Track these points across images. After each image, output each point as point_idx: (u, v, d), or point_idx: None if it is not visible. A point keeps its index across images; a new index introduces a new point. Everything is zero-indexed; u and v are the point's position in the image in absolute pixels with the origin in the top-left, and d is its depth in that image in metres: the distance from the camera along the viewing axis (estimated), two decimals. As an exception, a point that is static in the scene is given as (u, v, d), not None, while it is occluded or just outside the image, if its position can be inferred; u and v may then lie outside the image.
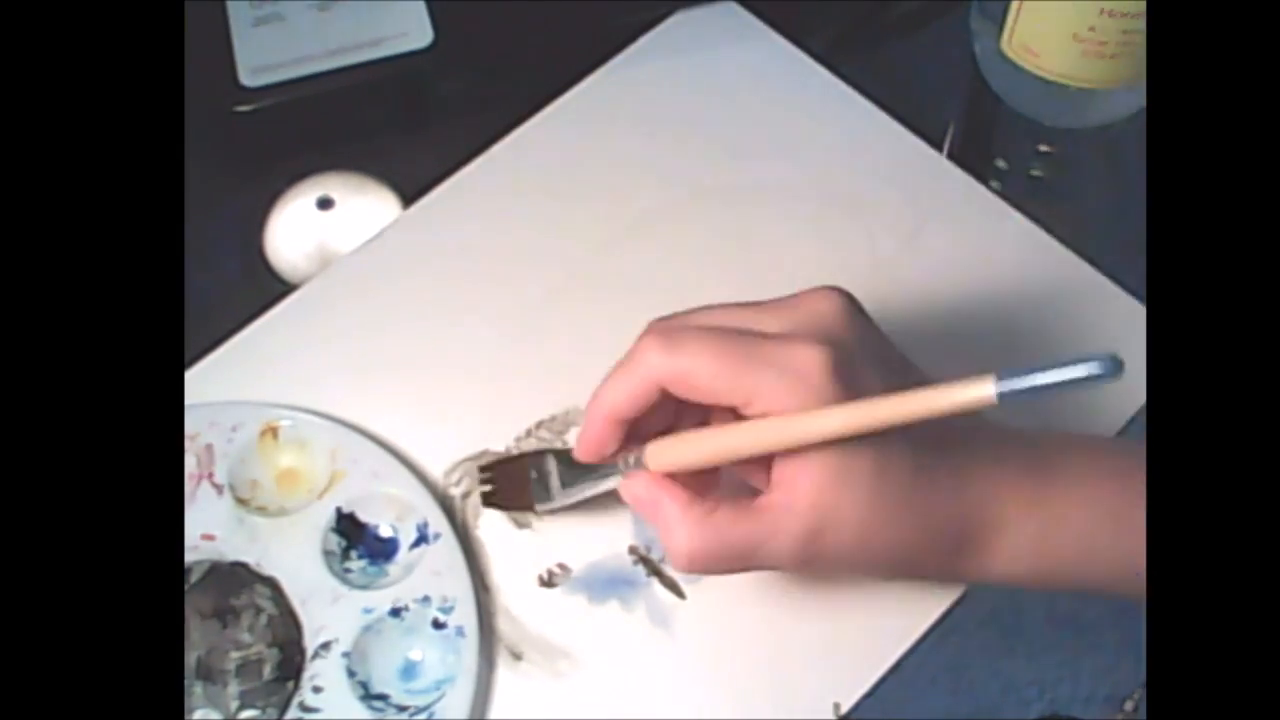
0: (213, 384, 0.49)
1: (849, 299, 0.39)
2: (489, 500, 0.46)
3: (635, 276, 0.51)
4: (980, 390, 0.33)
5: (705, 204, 0.53)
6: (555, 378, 0.49)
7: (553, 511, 0.45)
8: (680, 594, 0.45)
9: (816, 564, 0.38)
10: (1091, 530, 0.39)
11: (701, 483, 0.39)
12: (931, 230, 0.53)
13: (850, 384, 0.36)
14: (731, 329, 0.38)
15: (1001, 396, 0.33)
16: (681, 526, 0.38)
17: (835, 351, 0.37)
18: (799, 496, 0.37)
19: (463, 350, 0.50)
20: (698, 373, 0.37)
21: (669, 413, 0.40)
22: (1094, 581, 0.40)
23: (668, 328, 0.39)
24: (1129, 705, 0.45)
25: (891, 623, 0.45)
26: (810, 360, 0.36)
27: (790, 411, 0.36)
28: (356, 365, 0.49)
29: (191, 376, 0.49)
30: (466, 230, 0.53)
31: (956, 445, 0.39)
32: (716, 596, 0.45)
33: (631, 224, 0.53)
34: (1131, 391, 0.48)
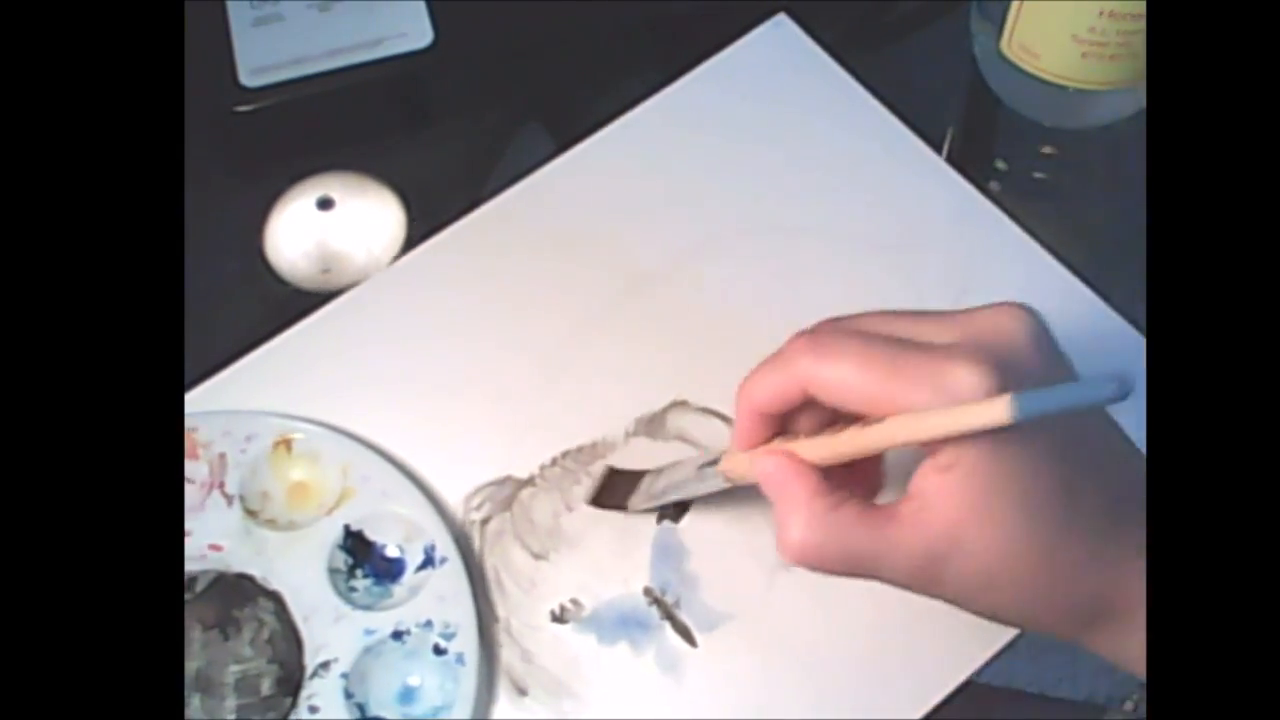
0: (235, 393, 0.47)
1: (1035, 320, 0.36)
2: (593, 500, 0.45)
3: (667, 311, 0.50)
4: (994, 411, 0.31)
5: (741, 240, 0.51)
6: (583, 408, 0.47)
7: (646, 510, 0.44)
8: (692, 641, 0.44)
9: (933, 590, 0.35)
10: None
11: (846, 483, 0.37)
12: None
13: None
14: (888, 337, 0.35)
15: (1017, 418, 0.31)
16: (801, 513, 0.35)
17: (1000, 376, 0.33)
18: (933, 516, 0.34)
19: (489, 375, 0.48)
20: (842, 382, 0.35)
21: (825, 413, 0.37)
22: None
23: (821, 330, 0.37)
24: (1128, 705, 0.45)
25: (908, 687, 0.43)
26: (968, 382, 0.33)
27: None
28: (379, 382, 0.48)
29: (213, 385, 0.48)
30: (502, 256, 0.51)
31: (1120, 515, 0.35)
32: (729, 648, 0.44)
33: (674, 258, 0.51)
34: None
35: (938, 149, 0.55)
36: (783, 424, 0.38)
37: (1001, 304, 0.36)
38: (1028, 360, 0.35)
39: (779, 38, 0.56)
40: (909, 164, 0.53)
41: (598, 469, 0.46)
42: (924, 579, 0.35)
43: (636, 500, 0.45)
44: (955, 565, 0.34)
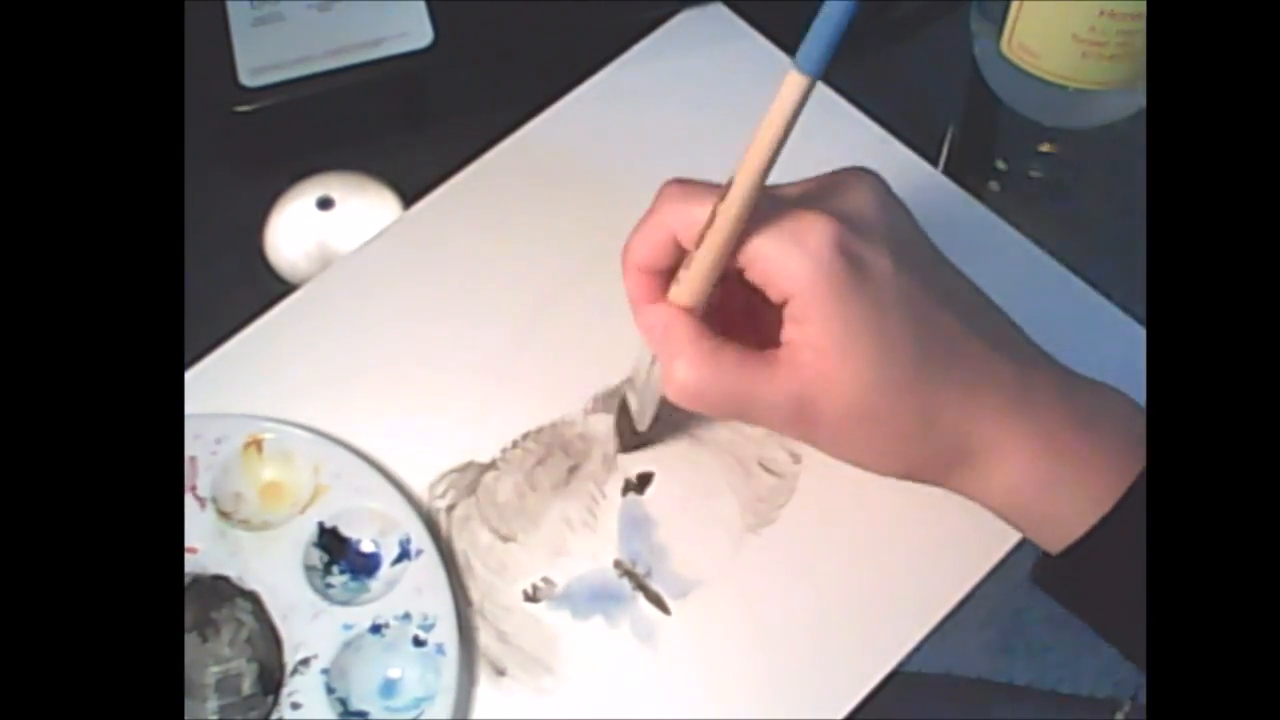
0: (198, 394, 0.47)
1: (878, 181, 0.39)
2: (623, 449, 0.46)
3: (617, 289, 0.48)
4: (792, 86, 0.34)
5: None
6: (544, 388, 0.47)
7: (650, 421, 0.45)
8: (665, 609, 0.44)
9: (809, 433, 0.38)
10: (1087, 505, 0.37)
11: (736, 335, 0.39)
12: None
13: (857, 261, 0.36)
14: None
15: (809, 70, 0.34)
16: (685, 354, 0.37)
17: (846, 227, 0.36)
18: (802, 360, 0.37)
19: (451, 361, 0.48)
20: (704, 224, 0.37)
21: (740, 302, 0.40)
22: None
23: (691, 180, 0.38)
24: (1119, 717, 0.45)
25: (878, 638, 0.43)
26: (818, 231, 0.36)
27: (793, 281, 0.36)
28: (342, 376, 0.48)
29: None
30: (455, 240, 0.51)
31: (974, 366, 0.38)
32: (702, 612, 0.44)
33: (623, 235, 0.50)
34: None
35: (938, 149, 0.55)
36: (670, 280, 0.39)
37: (849, 168, 0.39)
38: (872, 216, 0.37)
39: (709, 15, 0.57)
40: (847, 131, 0.53)
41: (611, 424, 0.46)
42: (799, 420, 0.37)
43: (639, 421, 0.45)
44: (825, 405, 0.37)
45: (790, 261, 0.36)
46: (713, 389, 0.37)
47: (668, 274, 0.39)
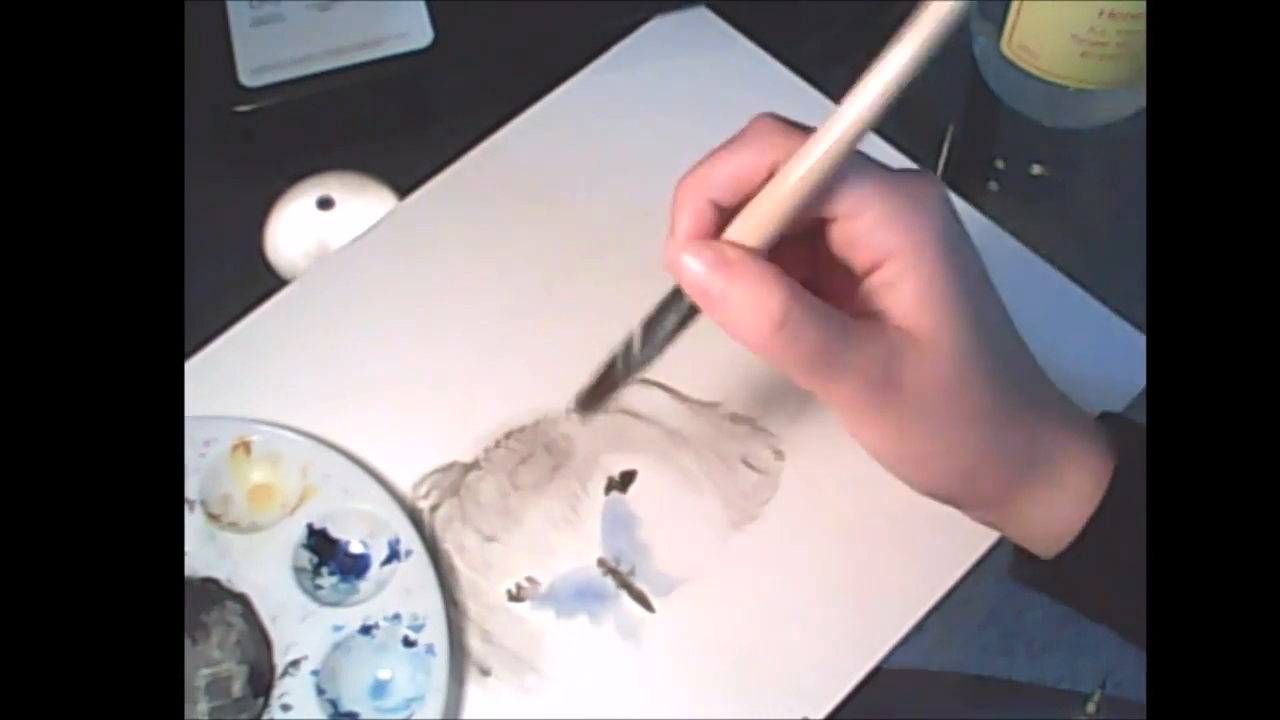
0: (186, 396, 0.47)
1: (943, 185, 0.35)
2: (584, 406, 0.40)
3: (609, 285, 0.49)
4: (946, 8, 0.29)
5: (669, 213, 0.52)
6: (527, 387, 0.47)
7: (643, 374, 0.39)
8: (649, 607, 0.44)
9: (892, 399, 0.34)
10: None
11: None
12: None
13: (964, 232, 0.34)
14: None
15: None
16: (778, 287, 0.32)
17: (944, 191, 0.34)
18: (894, 317, 0.34)
19: (436, 361, 0.48)
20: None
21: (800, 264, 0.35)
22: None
23: (787, 120, 0.34)
24: (1090, 708, 0.45)
25: (861, 635, 0.44)
26: (936, 193, 0.34)
27: (902, 238, 0.33)
28: (329, 378, 0.48)
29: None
30: (438, 241, 0.51)
31: (1044, 397, 0.36)
32: (686, 609, 0.44)
33: (604, 234, 0.51)
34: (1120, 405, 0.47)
35: (937, 148, 0.55)
36: (726, 222, 0.34)
37: (918, 170, 0.37)
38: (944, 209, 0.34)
39: (691, 18, 0.57)
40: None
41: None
42: (884, 386, 0.33)
43: (628, 374, 0.40)
44: (914, 369, 0.33)
45: (903, 217, 0.33)
46: (806, 331, 0.32)
47: (728, 215, 0.34)
